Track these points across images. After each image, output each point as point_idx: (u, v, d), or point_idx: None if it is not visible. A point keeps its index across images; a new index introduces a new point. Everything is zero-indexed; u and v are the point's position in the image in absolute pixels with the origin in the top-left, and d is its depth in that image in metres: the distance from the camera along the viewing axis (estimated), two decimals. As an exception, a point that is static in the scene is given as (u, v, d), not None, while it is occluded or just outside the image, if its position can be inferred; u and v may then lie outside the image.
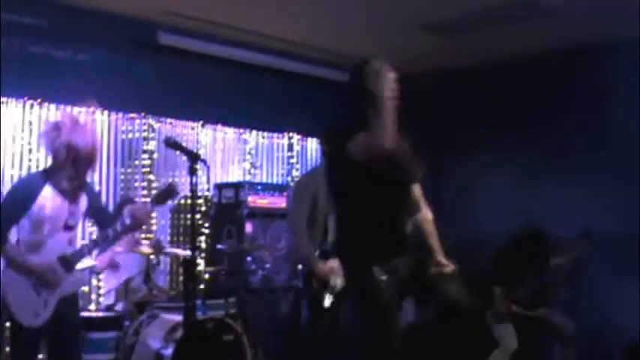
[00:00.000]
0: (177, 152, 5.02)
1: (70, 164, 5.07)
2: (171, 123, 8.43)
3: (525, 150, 8.83)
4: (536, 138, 8.80)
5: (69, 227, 5.19)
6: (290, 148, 9.57)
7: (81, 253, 5.21)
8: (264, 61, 8.94)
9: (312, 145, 9.76)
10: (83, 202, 5.28)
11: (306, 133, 9.60)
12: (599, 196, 8.03)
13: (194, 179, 4.87)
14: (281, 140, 9.52)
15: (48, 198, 5.07)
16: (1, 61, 6.90)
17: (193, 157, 4.93)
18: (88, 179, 5.38)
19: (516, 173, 8.83)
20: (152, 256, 7.09)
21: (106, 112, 7.82)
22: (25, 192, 5.08)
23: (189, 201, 8.03)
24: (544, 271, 7.44)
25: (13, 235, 5.09)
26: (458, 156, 9.84)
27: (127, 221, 5.19)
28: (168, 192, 5.19)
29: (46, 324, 5.07)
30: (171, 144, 5.08)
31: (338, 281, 6.48)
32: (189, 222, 8.30)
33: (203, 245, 8.43)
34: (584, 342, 7.78)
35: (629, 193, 7.86)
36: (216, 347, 6.53)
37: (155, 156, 8.21)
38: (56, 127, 5.10)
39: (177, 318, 6.65)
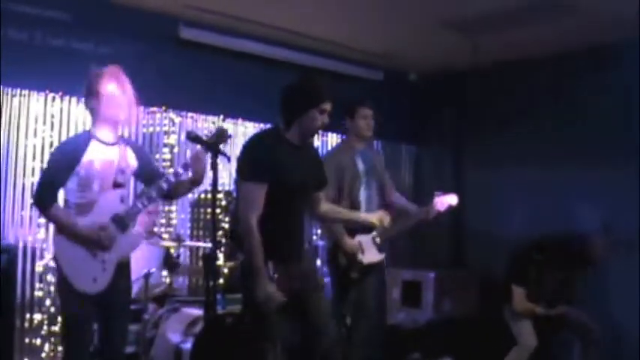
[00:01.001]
0: (199, 146, 4.98)
1: (108, 113, 5.12)
2: (192, 117, 8.44)
3: (547, 148, 8.80)
4: (559, 136, 8.76)
5: (119, 185, 5.15)
6: (310, 142, 9.55)
7: (135, 211, 5.15)
8: (285, 55, 8.95)
9: (332, 139, 9.74)
10: (132, 159, 5.26)
11: (326, 127, 9.52)
12: (619, 193, 8.00)
13: (216, 174, 4.86)
14: (301, 135, 9.49)
15: (95, 151, 5.03)
16: (23, 55, 6.94)
17: (215, 152, 4.92)
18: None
19: (539, 171, 8.81)
20: (172, 250, 7.11)
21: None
22: (72, 148, 5.04)
23: (209, 195, 8.04)
24: (564, 269, 7.41)
25: (60, 197, 5.04)
26: (478, 153, 9.84)
27: (181, 170, 5.16)
28: (219, 137, 5.11)
29: (105, 290, 5.00)
30: (193, 138, 5.07)
31: (364, 257, 6.51)
32: (209, 216, 8.31)
33: (223, 240, 8.42)
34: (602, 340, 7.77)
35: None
36: (235, 342, 6.53)
37: (176, 150, 8.22)
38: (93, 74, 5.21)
39: (197, 312, 6.67)
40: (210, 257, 4.94)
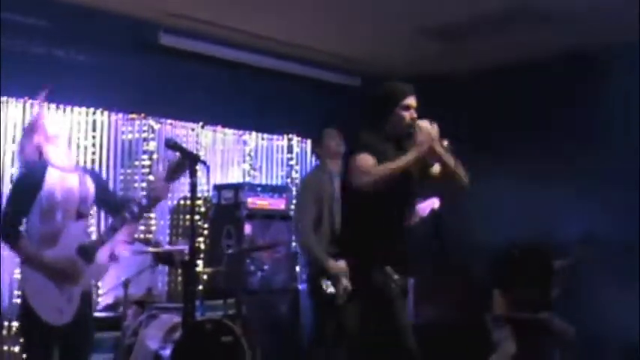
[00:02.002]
0: (178, 153, 4.99)
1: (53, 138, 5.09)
2: (171, 124, 8.44)
3: (525, 154, 8.84)
4: (537, 143, 8.80)
5: (82, 215, 5.11)
6: (290, 149, 9.58)
7: (100, 241, 5.10)
8: (265, 63, 8.96)
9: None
10: (91, 187, 5.21)
11: (305, 135, 9.60)
12: (601, 200, 8.03)
13: (194, 180, 4.86)
14: (281, 142, 9.53)
15: (55, 179, 4.99)
16: (2, 61, 6.91)
17: (193, 159, 4.93)
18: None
19: (517, 177, 8.83)
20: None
21: (106, 113, 7.84)
22: (31, 176, 4.99)
23: (188, 202, 8.05)
24: (544, 275, 7.44)
25: (22, 229, 4.97)
26: (456, 158, 9.84)
27: (144, 201, 5.14)
28: (178, 167, 5.14)
29: (70, 321, 4.94)
30: (172, 145, 5.07)
31: (348, 283, 6.52)
32: (188, 223, 8.33)
33: (202, 246, 8.44)
34: (584, 346, 7.79)
35: (631, 198, 7.85)
36: (214, 348, 6.54)
37: (155, 157, 8.22)
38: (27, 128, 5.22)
39: (176, 319, 6.67)
40: (188, 264, 4.93)
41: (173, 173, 5.13)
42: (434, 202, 6.81)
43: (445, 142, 5.19)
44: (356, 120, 7.02)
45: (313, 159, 8.19)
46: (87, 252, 5.01)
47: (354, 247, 5.23)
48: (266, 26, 8.26)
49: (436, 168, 5.27)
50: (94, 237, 5.22)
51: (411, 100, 5.30)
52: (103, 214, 7.03)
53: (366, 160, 4.98)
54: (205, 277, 7.83)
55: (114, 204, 5.32)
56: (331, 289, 6.56)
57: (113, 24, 7.79)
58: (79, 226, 5.09)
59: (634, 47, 8.11)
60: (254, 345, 7.19)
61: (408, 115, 5.23)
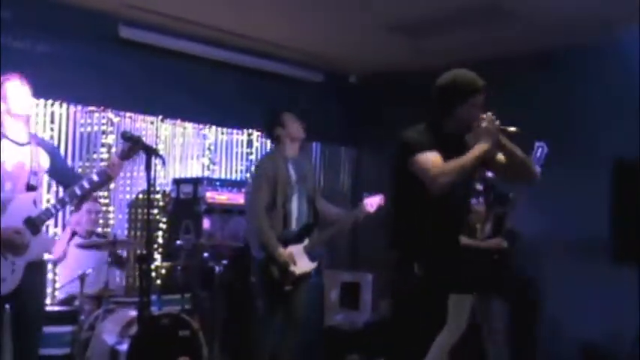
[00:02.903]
0: (114, 151, 5.00)
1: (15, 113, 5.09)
2: (130, 117, 8.40)
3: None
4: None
5: (32, 187, 5.07)
6: (249, 144, 9.56)
7: (48, 214, 5.09)
8: (225, 56, 8.93)
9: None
10: (44, 161, 5.18)
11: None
12: (567, 198, 8.08)
13: (151, 174, 4.84)
14: (240, 136, 9.50)
15: (6, 152, 4.97)
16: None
17: (150, 152, 4.90)
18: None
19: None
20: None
21: (64, 105, 7.78)
22: None
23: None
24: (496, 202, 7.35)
25: None
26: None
27: (96, 177, 5.12)
28: (133, 146, 5.11)
29: (13, 290, 4.93)
30: (128, 137, 5.05)
31: (296, 268, 6.51)
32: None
33: (160, 240, 8.41)
34: (546, 343, 7.85)
35: (597, 197, 7.88)
36: (171, 343, 6.51)
37: (113, 150, 8.17)
38: None
39: (133, 313, 6.64)
40: (144, 258, 4.90)
41: (128, 152, 5.11)
42: (380, 199, 6.82)
43: (513, 128, 4.91)
44: (317, 115, 7.05)
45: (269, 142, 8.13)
46: (34, 223, 4.99)
47: (408, 243, 5.03)
48: (227, 20, 8.23)
49: (500, 157, 4.99)
50: (42, 208, 5.14)
51: (482, 97, 5.00)
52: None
53: (436, 158, 4.74)
54: (163, 271, 7.81)
55: (67, 178, 5.29)
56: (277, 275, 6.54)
57: (73, 16, 7.71)
58: (27, 197, 5.05)
59: (600, 47, 8.16)
60: (211, 339, 7.18)
61: (476, 112, 4.92)
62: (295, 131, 6.88)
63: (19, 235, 4.93)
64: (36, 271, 5.10)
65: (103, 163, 8.01)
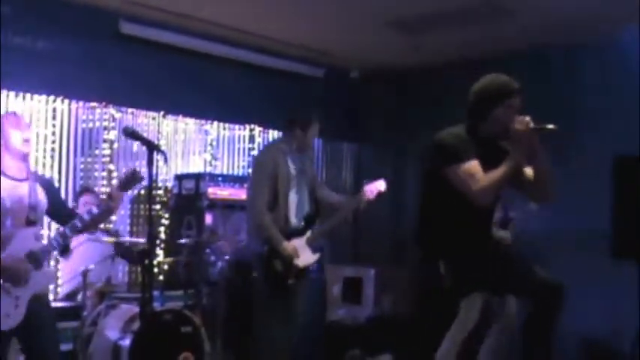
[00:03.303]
0: (137, 142, 4.96)
1: (13, 150, 5.04)
2: (132, 113, 8.39)
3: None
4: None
5: (31, 222, 5.04)
6: (251, 139, 9.55)
7: (49, 248, 5.08)
8: (226, 52, 8.93)
9: (274, 137, 9.76)
10: (42, 196, 5.14)
11: (267, 125, 9.60)
12: (568, 195, 8.09)
13: (153, 170, 4.83)
14: (242, 132, 9.50)
15: (5, 188, 4.94)
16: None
17: (152, 148, 4.90)
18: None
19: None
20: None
21: (66, 101, 7.78)
22: None
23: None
24: None
25: None
26: (415, 150, 9.89)
27: (96, 210, 5.10)
28: (132, 178, 5.11)
29: (19, 326, 4.88)
30: (130, 133, 5.04)
31: (300, 261, 6.52)
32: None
33: (162, 236, 8.41)
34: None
35: (598, 194, 7.87)
36: (174, 339, 6.52)
37: (115, 146, 8.17)
38: None
39: (136, 309, 6.65)
40: (146, 253, 4.90)
41: (127, 184, 5.12)
42: (381, 184, 6.80)
43: (551, 126, 4.78)
44: (318, 111, 7.03)
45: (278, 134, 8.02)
46: (36, 257, 4.96)
47: (435, 242, 5.04)
48: (228, 16, 8.23)
49: (529, 171, 4.94)
50: (44, 243, 5.13)
51: (518, 99, 4.99)
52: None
53: (477, 171, 4.71)
54: (165, 267, 7.81)
55: (64, 214, 5.29)
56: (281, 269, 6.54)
57: (74, 11, 7.72)
58: (28, 232, 5.02)
59: (600, 45, 8.17)
60: (214, 335, 7.19)
61: (512, 114, 4.86)
62: (309, 142, 6.89)
63: (20, 269, 4.90)
64: (41, 305, 5.05)
65: (104, 159, 8.06)
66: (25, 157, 5.18)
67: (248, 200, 6.99)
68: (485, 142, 4.91)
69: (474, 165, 4.72)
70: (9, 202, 4.95)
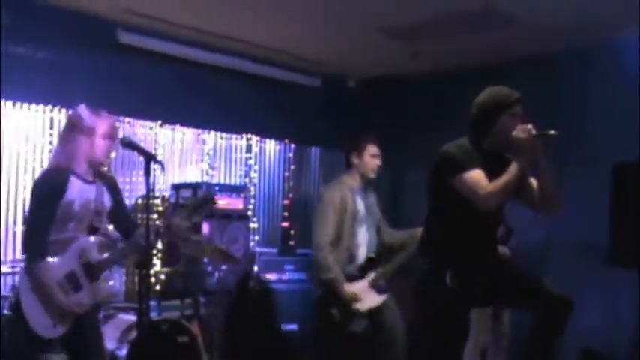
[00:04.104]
0: (134, 152, 4.94)
1: (88, 151, 4.95)
2: (129, 122, 8.39)
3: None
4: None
5: (95, 228, 4.96)
6: (248, 149, 9.55)
7: (110, 261, 5.00)
8: (223, 62, 8.94)
9: (271, 146, 9.77)
10: (107, 200, 5.07)
11: (264, 134, 9.61)
12: (566, 201, 8.08)
13: (150, 179, 4.82)
14: (239, 141, 9.50)
15: (75, 190, 4.85)
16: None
17: (149, 158, 4.89)
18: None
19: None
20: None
21: (64, 111, 7.77)
22: (53, 186, 4.84)
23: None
24: None
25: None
26: (418, 159, 9.85)
27: (160, 231, 5.05)
28: (204, 202, 5.08)
29: (66, 338, 4.86)
30: (127, 143, 5.04)
31: (362, 305, 6.39)
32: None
33: (159, 245, 8.40)
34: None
35: (597, 200, 7.87)
36: (170, 349, 6.51)
37: (113, 155, 8.14)
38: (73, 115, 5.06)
39: (133, 318, 6.63)
40: (143, 263, 4.89)
41: (195, 209, 5.06)
42: None
43: (552, 132, 4.83)
44: (316, 120, 7.03)
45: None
46: (92, 269, 4.89)
47: (442, 254, 5.02)
48: (225, 25, 8.24)
49: (534, 182, 4.98)
50: (104, 254, 5.00)
51: (519, 108, 5.02)
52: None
53: (482, 178, 4.76)
54: (163, 276, 7.79)
55: (123, 220, 5.21)
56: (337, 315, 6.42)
57: (72, 21, 7.71)
58: (89, 239, 4.93)
59: (598, 50, 8.18)
60: (211, 345, 7.18)
61: (514, 124, 4.89)
62: (368, 168, 6.77)
63: (79, 306, 4.85)
64: (88, 318, 5.02)
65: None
66: (101, 164, 5.10)
67: (313, 237, 6.75)
68: (489, 154, 4.94)
69: (478, 172, 4.76)
70: (78, 206, 4.86)
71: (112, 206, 5.11)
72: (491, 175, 4.78)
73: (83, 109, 4.97)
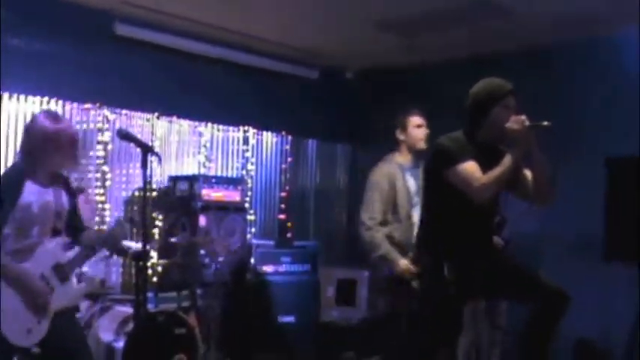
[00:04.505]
0: (131, 144, 4.92)
1: (49, 155, 4.79)
2: (126, 114, 8.38)
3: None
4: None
5: (58, 230, 4.86)
6: (245, 141, 9.54)
7: (78, 261, 4.92)
8: (220, 53, 8.94)
9: (268, 138, 9.76)
10: (66, 202, 4.95)
11: (261, 126, 9.60)
12: (561, 197, 8.09)
13: (147, 171, 4.81)
14: (236, 133, 9.49)
15: (32, 193, 4.71)
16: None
17: (146, 149, 4.87)
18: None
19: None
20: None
21: (60, 102, 7.76)
22: (7, 187, 4.68)
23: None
24: None
25: None
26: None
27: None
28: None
29: (42, 342, 4.69)
30: (124, 135, 5.02)
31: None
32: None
33: (156, 237, 8.40)
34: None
35: (591, 195, 7.88)
36: (167, 340, 6.52)
37: (110, 147, 8.16)
38: (33, 119, 4.88)
39: (130, 310, 6.64)
40: (140, 255, 4.88)
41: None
42: None
43: (545, 123, 4.84)
44: (313, 112, 7.03)
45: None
46: (62, 270, 4.80)
47: (439, 246, 5.03)
48: (222, 17, 8.23)
49: (528, 174, 4.98)
50: (70, 255, 4.90)
51: (512, 100, 5.03)
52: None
53: (476, 169, 4.77)
54: (160, 268, 7.80)
55: (76, 223, 5.10)
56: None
57: (68, 13, 7.70)
58: (55, 242, 4.85)
59: (593, 46, 8.18)
60: (208, 337, 7.19)
61: (507, 115, 4.90)
62: (415, 139, 6.60)
63: (46, 283, 4.73)
64: (67, 318, 4.90)
65: (98, 161, 8.05)
66: (57, 169, 4.97)
67: (361, 214, 6.62)
68: (483, 146, 4.95)
69: (472, 164, 4.78)
70: (37, 209, 4.75)
71: (68, 209, 5.00)
72: (486, 166, 4.80)
73: (42, 117, 4.86)
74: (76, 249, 4.94)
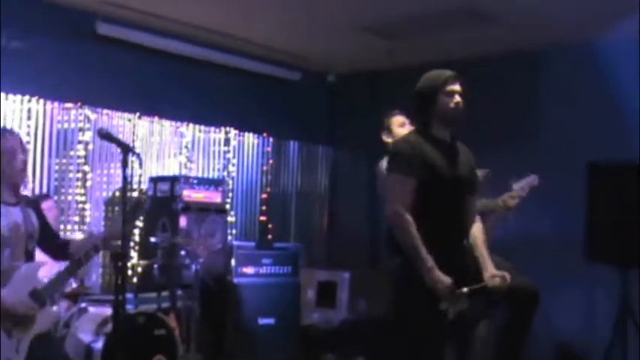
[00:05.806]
0: (112, 144, 4.89)
1: (11, 171, 4.72)
2: (107, 114, 8.35)
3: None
4: (475, 139, 8.83)
5: (29, 253, 4.79)
6: (227, 142, 9.52)
7: (57, 283, 4.86)
8: (203, 54, 8.93)
9: (249, 140, 9.74)
10: (35, 221, 4.87)
11: (243, 128, 9.59)
12: (542, 200, 8.12)
13: (127, 172, 4.78)
14: (218, 135, 9.47)
15: (2, 216, 4.62)
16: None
17: (126, 150, 4.83)
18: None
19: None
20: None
21: (41, 101, 7.73)
22: None
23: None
24: None
25: None
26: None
27: (94, 255, 4.96)
28: (136, 206, 5.04)
29: None
30: (104, 135, 4.97)
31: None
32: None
33: (137, 238, 8.37)
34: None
35: (572, 199, 7.91)
36: (147, 342, 6.49)
37: (90, 147, 8.13)
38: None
39: (109, 311, 6.60)
40: (119, 256, 4.85)
41: (129, 214, 4.98)
42: (533, 180, 6.55)
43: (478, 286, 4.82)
44: (295, 114, 7.02)
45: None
46: (40, 296, 4.71)
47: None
48: (205, 18, 8.22)
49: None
50: (45, 279, 4.82)
51: (455, 86, 5.06)
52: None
53: (406, 191, 4.79)
54: (140, 269, 7.77)
55: (51, 238, 5.05)
56: None
57: (50, 12, 7.70)
58: (31, 265, 4.77)
59: (574, 51, 8.22)
60: (187, 338, 7.17)
61: (452, 101, 4.99)
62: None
63: (24, 306, 4.64)
64: (45, 339, 4.82)
65: (79, 161, 8.01)
66: (21, 181, 4.91)
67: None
68: (440, 141, 4.99)
69: (407, 184, 4.80)
70: (7, 231, 4.65)
71: (39, 227, 4.92)
72: (444, 159, 4.89)
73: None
74: (53, 273, 4.88)
